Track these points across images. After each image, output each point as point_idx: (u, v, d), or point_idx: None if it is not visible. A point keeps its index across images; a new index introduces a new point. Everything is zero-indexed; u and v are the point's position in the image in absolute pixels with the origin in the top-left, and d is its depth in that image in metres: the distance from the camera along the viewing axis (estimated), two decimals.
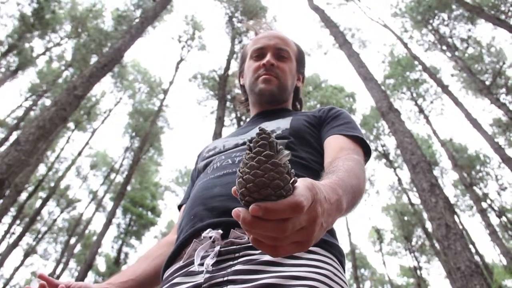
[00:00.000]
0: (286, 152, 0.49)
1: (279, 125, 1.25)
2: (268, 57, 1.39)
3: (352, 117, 1.27)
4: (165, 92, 22.01)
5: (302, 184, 0.50)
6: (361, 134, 1.14)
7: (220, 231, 0.89)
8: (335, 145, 1.09)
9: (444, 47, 19.15)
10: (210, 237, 0.89)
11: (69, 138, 23.29)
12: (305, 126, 1.23)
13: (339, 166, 0.83)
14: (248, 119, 1.56)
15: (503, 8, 15.72)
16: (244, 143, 1.22)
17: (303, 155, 1.13)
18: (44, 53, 20.03)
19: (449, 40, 19.09)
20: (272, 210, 0.44)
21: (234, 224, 0.90)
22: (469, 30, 18.93)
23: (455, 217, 7.09)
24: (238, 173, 0.49)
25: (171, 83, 21.73)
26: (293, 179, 0.48)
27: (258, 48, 1.44)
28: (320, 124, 1.27)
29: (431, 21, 19.45)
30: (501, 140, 20.61)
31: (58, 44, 20.30)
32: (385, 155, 23.96)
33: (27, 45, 18.29)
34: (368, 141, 1.13)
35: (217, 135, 12.78)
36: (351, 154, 1.00)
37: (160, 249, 1.24)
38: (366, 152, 1.13)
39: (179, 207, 1.41)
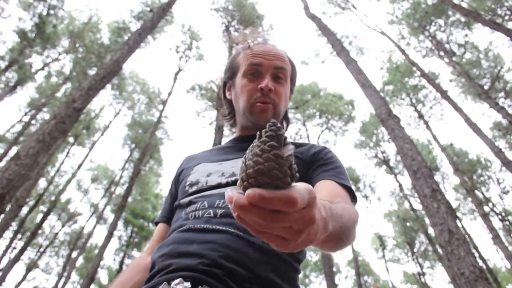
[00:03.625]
0: (291, 147, 0.49)
1: None
2: (267, 80, 1.31)
3: (340, 161, 1.27)
4: (164, 103, 22.03)
5: (303, 185, 0.49)
6: (350, 184, 1.15)
7: (189, 285, 0.90)
8: (328, 190, 1.09)
9: (442, 53, 19.22)
10: None
11: (68, 152, 23.30)
12: None
13: (336, 205, 0.83)
14: (233, 136, 1.51)
15: (499, 12, 15.79)
16: (227, 184, 1.18)
17: None
18: (42, 68, 20.10)
19: (447, 46, 19.16)
20: (265, 198, 0.44)
21: (203, 281, 0.91)
22: (466, 35, 19.03)
23: (458, 222, 7.05)
24: (243, 158, 0.51)
25: (169, 94, 21.77)
26: (295, 174, 0.49)
27: (254, 64, 1.34)
28: (310, 164, 1.25)
29: (427, 27, 19.55)
30: (501, 144, 20.61)
31: (57, 59, 20.38)
32: (385, 161, 23.96)
33: (26, 60, 18.36)
34: (355, 191, 1.16)
35: (217, 145, 12.78)
36: (346, 202, 1.01)
37: (136, 276, 1.19)
38: (353, 201, 1.13)
39: (156, 223, 1.38)
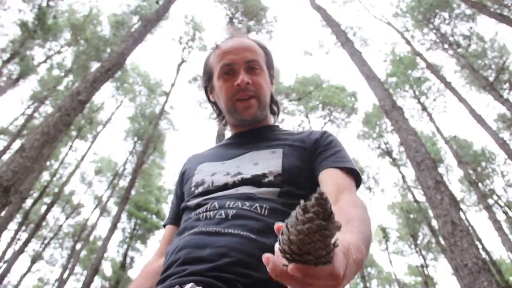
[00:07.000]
0: (338, 224, 0.49)
1: (270, 167, 1.19)
2: (241, 76, 1.30)
3: (342, 144, 1.27)
4: (167, 94, 21.98)
5: (341, 250, 0.51)
6: (353, 165, 1.15)
7: None
8: (331, 182, 1.09)
9: (446, 46, 19.11)
10: None
11: (71, 145, 23.31)
12: (298, 167, 1.20)
13: (352, 215, 0.85)
14: (229, 135, 1.51)
15: (505, 2, 15.63)
16: (234, 184, 1.18)
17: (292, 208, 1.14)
18: (45, 61, 20.10)
19: (451, 38, 19.05)
20: (310, 275, 0.46)
21: (214, 286, 0.91)
22: (471, 28, 18.90)
23: (461, 213, 7.05)
24: (284, 227, 0.49)
25: (173, 85, 21.71)
26: (336, 245, 0.50)
27: (226, 64, 1.33)
28: (312, 152, 1.25)
29: (432, 20, 19.42)
30: (506, 135, 20.51)
31: (59, 52, 20.37)
32: (388, 153, 23.92)
33: (28, 52, 18.35)
34: (359, 171, 1.16)
35: (220, 136, 12.80)
36: (353, 196, 1.02)
37: (148, 282, 1.21)
38: (357, 183, 1.14)
39: (164, 226, 1.40)
